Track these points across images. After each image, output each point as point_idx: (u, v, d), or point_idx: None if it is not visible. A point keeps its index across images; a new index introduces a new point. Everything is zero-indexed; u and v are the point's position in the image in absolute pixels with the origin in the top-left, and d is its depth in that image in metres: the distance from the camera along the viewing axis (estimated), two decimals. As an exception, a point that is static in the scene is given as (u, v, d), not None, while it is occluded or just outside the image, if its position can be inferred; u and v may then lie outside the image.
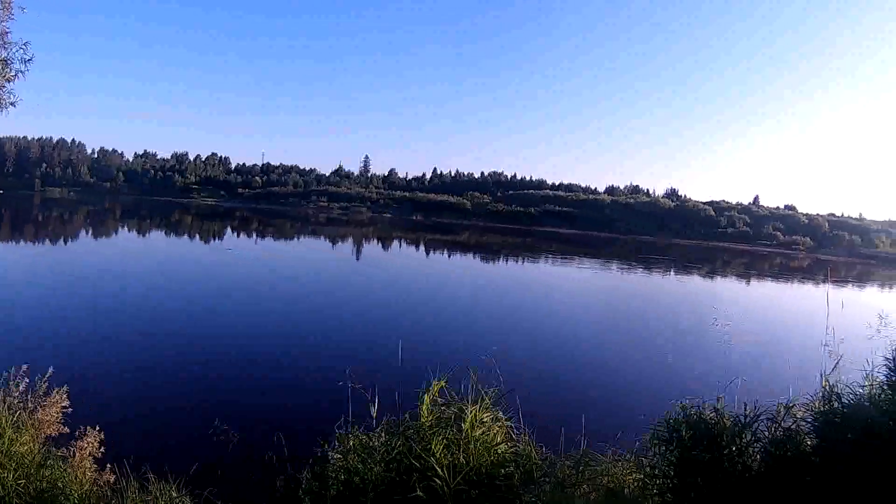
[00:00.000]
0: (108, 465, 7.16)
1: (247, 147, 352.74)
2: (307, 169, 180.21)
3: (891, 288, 67.05)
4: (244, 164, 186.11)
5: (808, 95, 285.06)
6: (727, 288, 58.86)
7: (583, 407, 7.00)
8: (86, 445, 7.25)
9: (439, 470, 5.73)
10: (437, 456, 5.83)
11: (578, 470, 6.04)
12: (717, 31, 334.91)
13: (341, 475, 6.13)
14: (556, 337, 25.02)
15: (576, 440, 6.40)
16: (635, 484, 6.14)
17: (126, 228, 77.68)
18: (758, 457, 6.12)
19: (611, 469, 6.27)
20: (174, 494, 6.38)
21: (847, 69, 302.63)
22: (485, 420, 6.19)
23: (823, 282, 64.06)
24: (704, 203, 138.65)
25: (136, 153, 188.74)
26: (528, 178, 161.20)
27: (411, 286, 39.92)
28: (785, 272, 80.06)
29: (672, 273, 67.61)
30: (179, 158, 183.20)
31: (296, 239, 78.82)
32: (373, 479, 5.96)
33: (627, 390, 15.67)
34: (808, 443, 6.13)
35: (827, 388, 6.19)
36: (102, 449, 7.38)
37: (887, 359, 6.22)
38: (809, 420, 6.17)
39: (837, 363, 6.33)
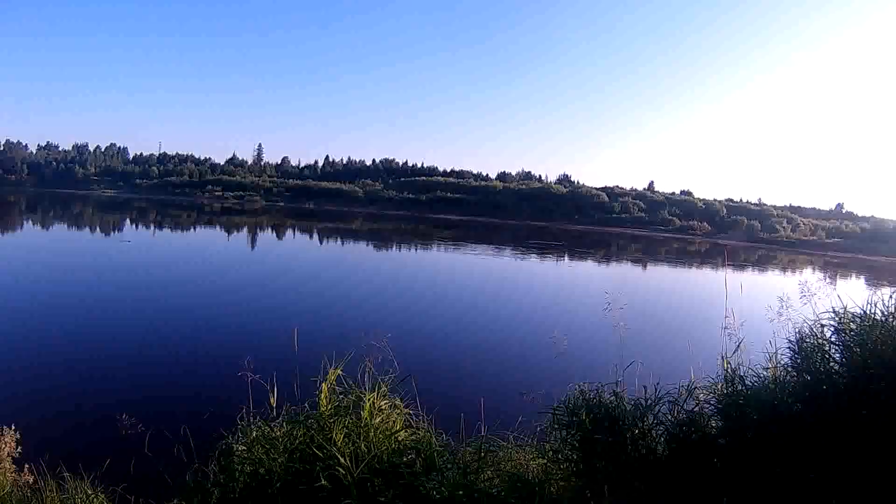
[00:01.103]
0: (27, 466, 7.16)
1: (146, 137, 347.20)
2: (202, 158, 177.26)
3: (793, 272, 67.75)
4: (141, 153, 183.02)
5: (704, 83, 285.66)
6: (621, 273, 59.46)
7: (481, 392, 6.95)
8: (3, 446, 7.25)
9: (341, 459, 5.66)
10: (339, 445, 5.76)
11: (480, 456, 6.00)
12: (608, 20, 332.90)
13: (247, 467, 6.07)
14: (451, 323, 25.30)
15: (476, 426, 6.34)
16: (539, 469, 6.14)
17: (27, 222, 76.88)
18: (662, 440, 6.16)
19: (513, 454, 6.27)
20: (89, 492, 6.33)
21: (744, 56, 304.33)
22: (383, 407, 6.15)
23: (722, 266, 64.42)
24: (598, 189, 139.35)
25: (39, 145, 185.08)
26: (420, 165, 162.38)
27: (304, 274, 40.09)
28: (682, 256, 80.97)
29: (565, 258, 67.96)
30: (80, 150, 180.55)
31: (192, 230, 78.13)
32: (277, 470, 5.91)
33: (525, 374, 15.80)
34: (713, 425, 6.19)
35: (729, 370, 6.24)
36: (19, 449, 7.40)
37: (790, 341, 6.29)
38: (713, 402, 6.21)
39: (739, 345, 6.35)
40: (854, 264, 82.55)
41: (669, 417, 6.18)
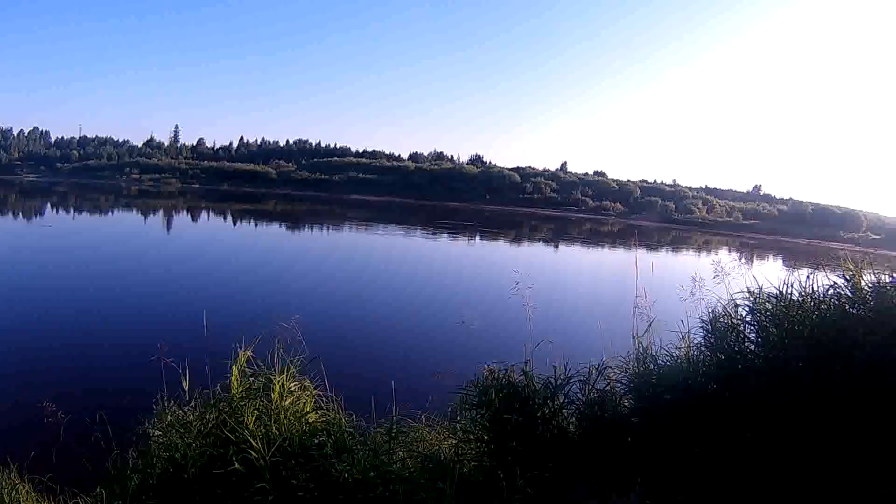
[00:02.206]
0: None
1: (67, 119, 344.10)
2: (121, 141, 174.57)
3: (708, 252, 66.82)
4: (62, 137, 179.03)
5: (618, 67, 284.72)
6: (532, 253, 58.69)
7: (392, 373, 7.00)
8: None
9: (253, 442, 5.62)
10: (251, 428, 5.73)
11: (391, 437, 5.97)
12: (522, 3, 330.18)
13: (163, 452, 6.06)
14: (361, 304, 24.95)
15: (387, 407, 6.32)
16: (451, 449, 6.13)
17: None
18: (573, 419, 6.15)
19: (425, 434, 6.28)
20: (16, 481, 6.39)
21: (660, 38, 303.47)
22: (293, 389, 6.13)
23: (634, 246, 63.76)
24: (510, 169, 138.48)
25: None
26: (333, 146, 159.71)
27: (215, 257, 39.39)
28: (595, 237, 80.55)
29: (476, 239, 67.18)
30: (4, 134, 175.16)
31: (108, 214, 76.37)
32: (192, 455, 5.88)
33: (436, 355, 15.65)
34: (626, 404, 6.19)
35: (640, 349, 6.26)
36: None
37: (703, 321, 6.31)
38: (624, 381, 6.21)
39: (650, 325, 6.34)
40: (771, 246, 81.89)
41: (580, 396, 6.18)
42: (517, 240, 70.17)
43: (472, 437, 6.14)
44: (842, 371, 5.81)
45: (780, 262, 60.67)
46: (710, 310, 6.23)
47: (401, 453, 5.99)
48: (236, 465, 5.64)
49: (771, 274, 6.34)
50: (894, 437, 5.60)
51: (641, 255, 6.81)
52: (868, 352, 5.87)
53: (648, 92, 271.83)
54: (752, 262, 55.19)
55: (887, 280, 6.30)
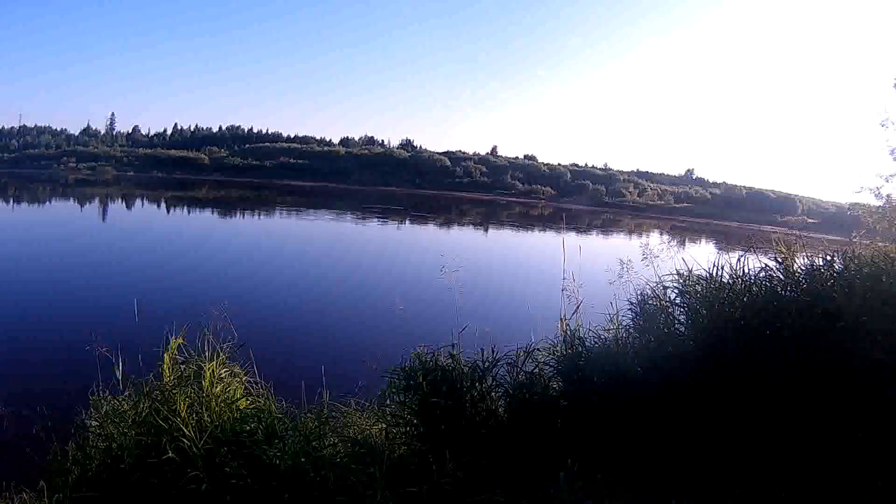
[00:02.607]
0: None
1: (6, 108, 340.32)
2: (59, 129, 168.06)
3: (638, 235, 66.43)
4: (3, 127, 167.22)
5: (549, 51, 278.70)
6: (461, 237, 58.16)
7: (322, 358, 7.01)
8: None
9: (186, 430, 5.65)
10: (183, 416, 5.76)
11: (322, 422, 6.01)
12: None
13: (101, 443, 6.07)
14: (290, 289, 24.59)
15: (317, 392, 6.36)
16: (381, 434, 6.15)
17: None
18: (502, 402, 6.18)
19: (356, 420, 6.29)
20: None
21: (590, 20, 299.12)
22: (223, 376, 6.16)
23: (565, 230, 63.16)
24: (440, 153, 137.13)
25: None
26: (265, 132, 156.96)
27: (146, 245, 38.39)
28: (525, 220, 79.22)
29: (406, 223, 66.51)
30: None
31: (44, 203, 74.11)
32: (128, 445, 5.89)
33: (364, 339, 15.43)
34: (555, 387, 6.21)
35: (567, 331, 6.29)
36: None
37: (631, 303, 6.34)
38: (552, 364, 6.24)
39: (578, 307, 6.38)
40: (704, 229, 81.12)
41: (508, 379, 6.21)
42: (447, 224, 69.28)
43: (401, 421, 6.17)
44: (773, 352, 5.83)
45: (711, 245, 59.28)
46: (638, 292, 6.24)
47: (332, 438, 6.02)
48: (170, 453, 5.65)
49: (701, 257, 6.35)
50: (821, 418, 5.67)
51: (571, 238, 6.83)
52: (800, 333, 5.90)
53: (581, 76, 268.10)
54: (684, 244, 54.57)
55: (820, 262, 6.34)
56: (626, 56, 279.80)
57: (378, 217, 67.76)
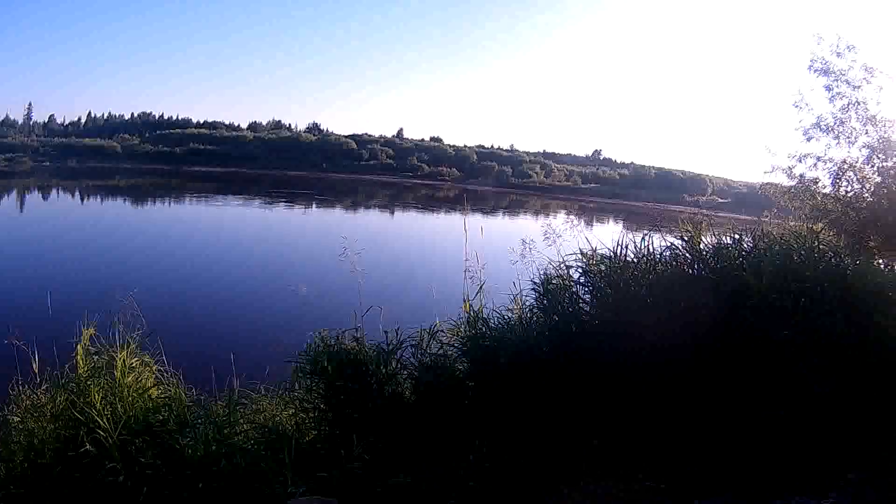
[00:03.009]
0: None
1: None
2: None
3: (546, 216, 63.73)
4: None
5: (454, 32, 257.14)
6: (366, 219, 57.54)
7: (230, 345, 7.06)
8: None
9: (101, 421, 5.67)
10: (98, 407, 5.80)
11: (232, 409, 6.05)
12: None
13: (24, 438, 6.03)
14: (197, 276, 24.76)
15: (227, 379, 6.35)
16: (291, 419, 6.23)
17: None
18: (408, 384, 6.24)
19: (266, 406, 6.34)
20: None
21: (494, 4, 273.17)
22: (134, 366, 6.17)
23: (470, 211, 61.23)
24: (346, 136, 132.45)
25: None
26: (175, 118, 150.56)
27: (57, 235, 37.36)
28: (431, 202, 78.31)
29: (312, 207, 65.82)
30: None
31: None
32: (47, 439, 5.92)
33: (272, 324, 15.28)
34: (461, 367, 6.24)
35: (471, 312, 6.23)
36: None
37: (535, 283, 6.22)
38: (457, 345, 6.25)
39: (481, 288, 6.31)
40: (612, 209, 79.69)
41: (413, 361, 6.24)
42: (353, 207, 68.54)
43: (309, 406, 6.22)
44: (680, 330, 5.78)
45: (619, 224, 58.10)
46: (541, 272, 6.11)
47: (243, 425, 6.07)
48: (88, 446, 5.71)
49: (607, 236, 6.21)
50: (731, 394, 5.71)
51: (476, 219, 6.61)
52: (709, 311, 5.83)
53: (486, 57, 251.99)
54: (591, 224, 53.21)
55: (728, 241, 6.13)
56: (533, 38, 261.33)
57: (284, 202, 65.86)
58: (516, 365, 5.88)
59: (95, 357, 6.22)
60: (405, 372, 6.23)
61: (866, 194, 13.05)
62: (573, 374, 5.81)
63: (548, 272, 6.18)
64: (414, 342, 6.24)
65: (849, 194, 13.05)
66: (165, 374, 6.41)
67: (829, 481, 5.33)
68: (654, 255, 6.10)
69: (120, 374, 6.10)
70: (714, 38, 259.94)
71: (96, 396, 5.93)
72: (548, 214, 67.83)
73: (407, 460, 5.67)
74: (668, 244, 6.10)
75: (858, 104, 12.63)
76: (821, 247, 6.70)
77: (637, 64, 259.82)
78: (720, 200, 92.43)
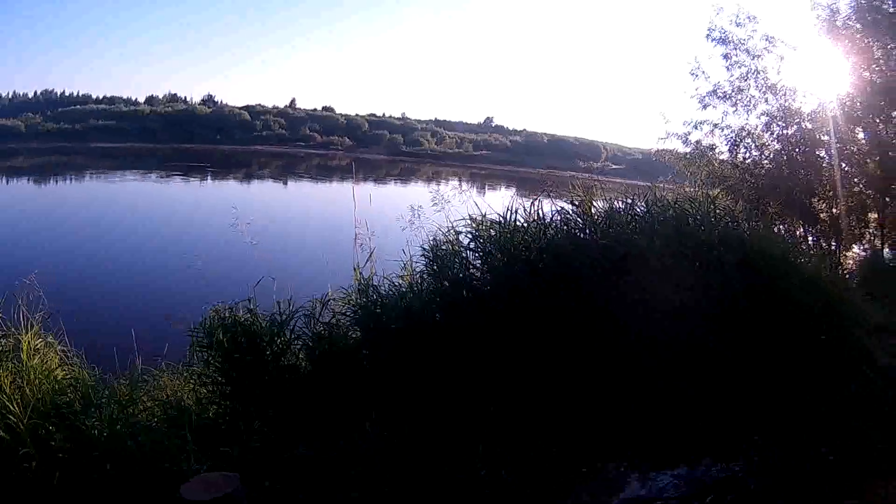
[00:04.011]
0: None
1: None
2: None
3: (437, 182, 60.36)
4: None
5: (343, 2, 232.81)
6: (261, 190, 56.12)
7: (131, 322, 6.93)
8: None
9: (11, 406, 5.70)
10: (8, 392, 5.65)
11: (134, 387, 6.01)
12: None
13: None
14: (96, 253, 23.76)
15: (130, 357, 6.31)
16: (192, 395, 6.20)
17: None
18: (303, 354, 6.17)
19: (168, 382, 6.31)
20: None
21: None
22: (39, 347, 6.05)
23: (363, 180, 59.87)
24: (240, 108, 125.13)
25: None
26: (76, 94, 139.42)
27: None
28: (323, 171, 76.07)
29: (208, 179, 63.30)
30: None
31: None
32: None
33: (170, 299, 14.77)
34: (354, 336, 6.14)
35: (361, 280, 6.07)
36: None
37: (424, 248, 6.03)
38: (349, 314, 6.13)
39: (371, 255, 6.14)
40: (505, 175, 77.26)
41: (306, 331, 6.14)
42: (246, 178, 66.30)
43: (207, 380, 6.16)
44: (571, 294, 5.69)
45: (511, 190, 54.51)
46: (431, 238, 5.90)
47: (147, 403, 6.06)
48: (1, 432, 5.59)
49: (497, 202, 6.00)
50: (621, 356, 5.60)
51: (367, 187, 6.33)
52: (600, 275, 5.67)
53: (377, 25, 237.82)
54: (483, 191, 50.03)
55: (620, 206, 5.88)
56: (423, 4, 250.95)
57: (179, 175, 63.04)
58: (407, 331, 5.79)
59: (3, 340, 6.11)
60: (299, 342, 6.12)
61: (765, 161, 13.45)
62: (466, 339, 5.70)
63: (437, 238, 5.93)
64: (307, 312, 6.10)
65: (747, 161, 13.46)
66: (69, 355, 6.32)
67: (737, 445, 5.29)
68: (545, 221, 5.81)
69: (26, 356, 5.98)
70: (608, 5, 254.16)
71: (6, 381, 5.84)
72: (439, 181, 66.19)
73: (307, 432, 5.64)
74: (559, 209, 5.81)
75: (758, 73, 13.10)
76: (717, 211, 6.53)
77: (529, 31, 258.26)
78: (614, 167, 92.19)
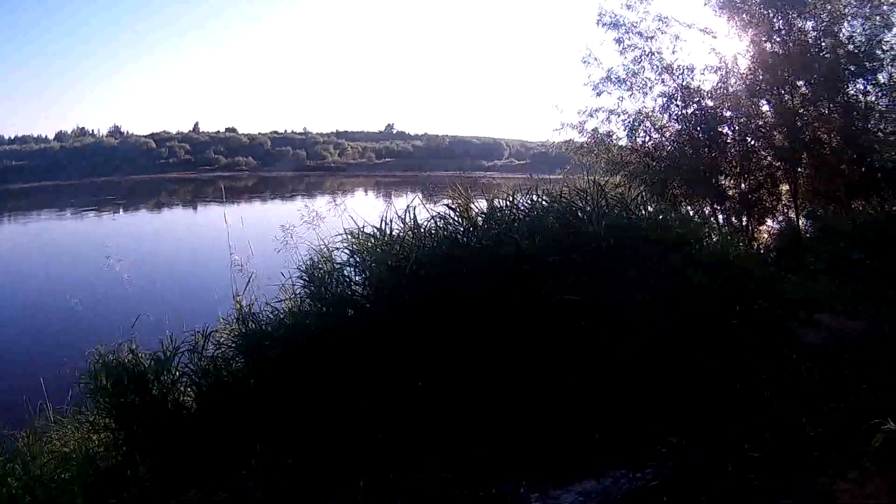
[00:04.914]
0: None
1: None
2: None
3: (344, 194, 57.47)
4: None
5: (238, 14, 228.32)
6: (160, 219, 53.45)
7: (38, 370, 6.63)
8: None
9: None
10: None
11: (32, 442, 5.74)
12: None
13: None
14: None
15: (39, 405, 6.06)
16: (83, 443, 5.85)
17: None
18: (191, 392, 5.81)
19: (64, 433, 6.00)
20: None
21: None
22: None
23: (270, 198, 59.01)
24: (146, 136, 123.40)
25: None
26: None
27: None
28: (227, 194, 69.37)
29: (111, 213, 59.53)
30: None
31: None
32: None
33: (72, 344, 13.99)
34: (239, 367, 5.74)
35: (242, 308, 5.67)
36: None
37: (301, 269, 5.63)
38: (233, 345, 5.74)
39: (249, 281, 5.75)
40: (409, 181, 72.27)
41: (191, 367, 5.78)
42: (155, 208, 64.57)
43: (98, 427, 5.83)
44: (455, 302, 5.26)
45: (418, 194, 51.87)
46: (308, 257, 5.48)
47: (45, 457, 5.76)
48: None
49: (376, 211, 5.47)
50: (521, 368, 5.12)
51: (257, 207, 5.99)
52: (484, 279, 5.20)
53: (274, 40, 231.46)
54: (391, 198, 48.22)
55: (501, 205, 5.40)
56: (318, 15, 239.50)
57: (94, 211, 60.89)
58: (290, 358, 5.39)
59: None
60: (185, 379, 5.73)
61: (666, 143, 13.20)
62: (350, 362, 5.28)
63: (314, 257, 5.48)
64: (190, 346, 5.75)
65: (647, 144, 13.25)
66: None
67: (648, 450, 4.75)
68: (421, 229, 5.32)
69: None
70: (499, 3, 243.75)
71: None
72: (344, 193, 65.00)
73: (198, 473, 5.22)
74: (437, 214, 5.34)
75: (653, 54, 12.96)
76: (609, 201, 6.09)
77: (424, 34, 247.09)
78: (518, 162, 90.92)
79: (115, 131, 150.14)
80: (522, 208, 5.71)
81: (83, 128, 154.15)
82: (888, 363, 5.74)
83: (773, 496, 3.99)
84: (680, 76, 12.85)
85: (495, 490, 4.52)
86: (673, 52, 12.87)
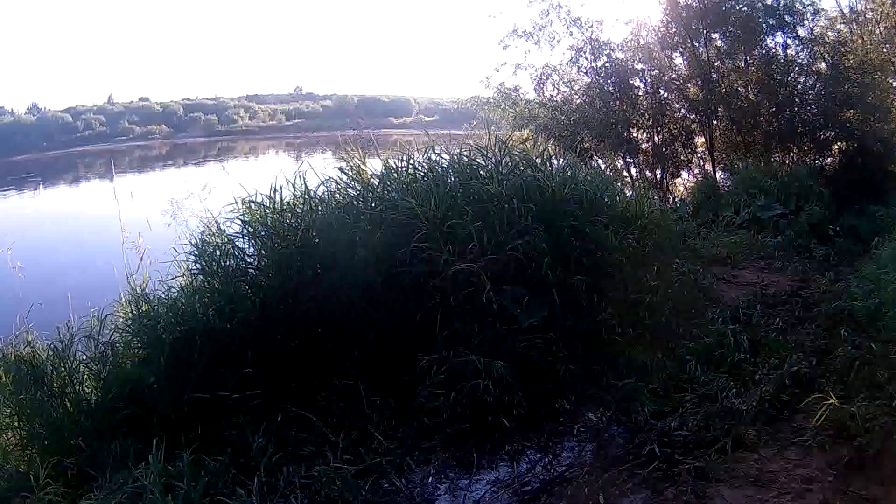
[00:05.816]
0: None
1: None
2: None
3: (256, 156, 62.18)
4: None
5: None
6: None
7: None
8: None
9: None
10: None
11: None
12: None
13: None
14: None
15: None
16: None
17: None
18: (91, 381, 5.37)
19: None
20: None
21: None
22: None
23: (182, 165, 58.80)
24: (62, 111, 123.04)
25: None
26: None
27: None
28: (145, 163, 70.65)
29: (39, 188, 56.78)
30: None
31: None
32: None
33: None
34: (137, 353, 5.36)
35: (134, 289, 5.37)
36: None
37: (193, 245, 5.30)
38: (129, 329, 5.38)
39: (142, 260, 5.46)
40: (319, 141, 72.82)
41: (87, 354, 5.39)
42: (75, 182, 60.69)
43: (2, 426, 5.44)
44: (352, 275, 4.89)
45: (328, 153, 52.17)
46: (199, 231, 5.19)
47: None
48: None
49: (285, 174, 5.18)
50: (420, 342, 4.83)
51: (116, 184, 5.64)
52: (380, 246, 4.90)
53: (184, 6, 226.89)
54: (300, 158, 47.81)
55: (399, 165, 5.17)
56: None
57: (16, 189, 60.23)
58: (184, 342, 5.02)
59: None
60: (85, 369, 5.37)
61: (575, 96, 13.18)
62: (248, 342, 4.92)
63: (204, 232, 5.19)
64: (86, 333, 5.39)
65: (556, 98, 13.19)
66: None
67: (566, 430, 4.42)
68: (318, 193, 5.06)
69: None
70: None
71: None
72: (256, 156, 67.27)
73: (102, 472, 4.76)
74: (327, 177, 5.07)
75: (560, 7, 12.74)
76: (513, 158, 5.76)
77: None
78: (428, 119, 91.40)
79: (33, 108, 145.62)
80: (421, 168, 5.48)
81: (2, 107, 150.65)
82: (818, 324, 5.54)
83: (705, 480, 3.62)
84: (589, 29, 12.82)
85: (398, 482, 4.14)
86: (581, 6, 12.85)
